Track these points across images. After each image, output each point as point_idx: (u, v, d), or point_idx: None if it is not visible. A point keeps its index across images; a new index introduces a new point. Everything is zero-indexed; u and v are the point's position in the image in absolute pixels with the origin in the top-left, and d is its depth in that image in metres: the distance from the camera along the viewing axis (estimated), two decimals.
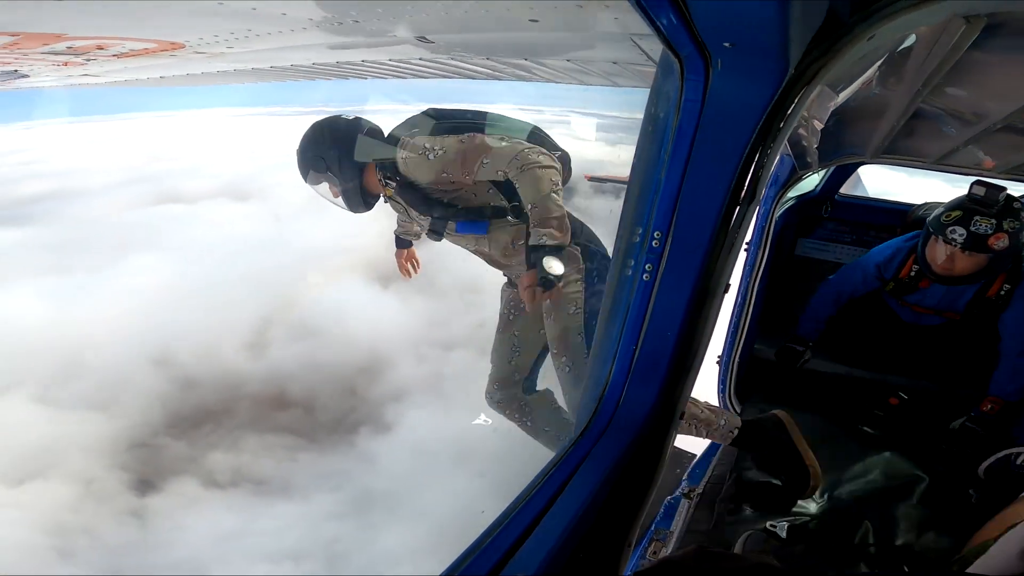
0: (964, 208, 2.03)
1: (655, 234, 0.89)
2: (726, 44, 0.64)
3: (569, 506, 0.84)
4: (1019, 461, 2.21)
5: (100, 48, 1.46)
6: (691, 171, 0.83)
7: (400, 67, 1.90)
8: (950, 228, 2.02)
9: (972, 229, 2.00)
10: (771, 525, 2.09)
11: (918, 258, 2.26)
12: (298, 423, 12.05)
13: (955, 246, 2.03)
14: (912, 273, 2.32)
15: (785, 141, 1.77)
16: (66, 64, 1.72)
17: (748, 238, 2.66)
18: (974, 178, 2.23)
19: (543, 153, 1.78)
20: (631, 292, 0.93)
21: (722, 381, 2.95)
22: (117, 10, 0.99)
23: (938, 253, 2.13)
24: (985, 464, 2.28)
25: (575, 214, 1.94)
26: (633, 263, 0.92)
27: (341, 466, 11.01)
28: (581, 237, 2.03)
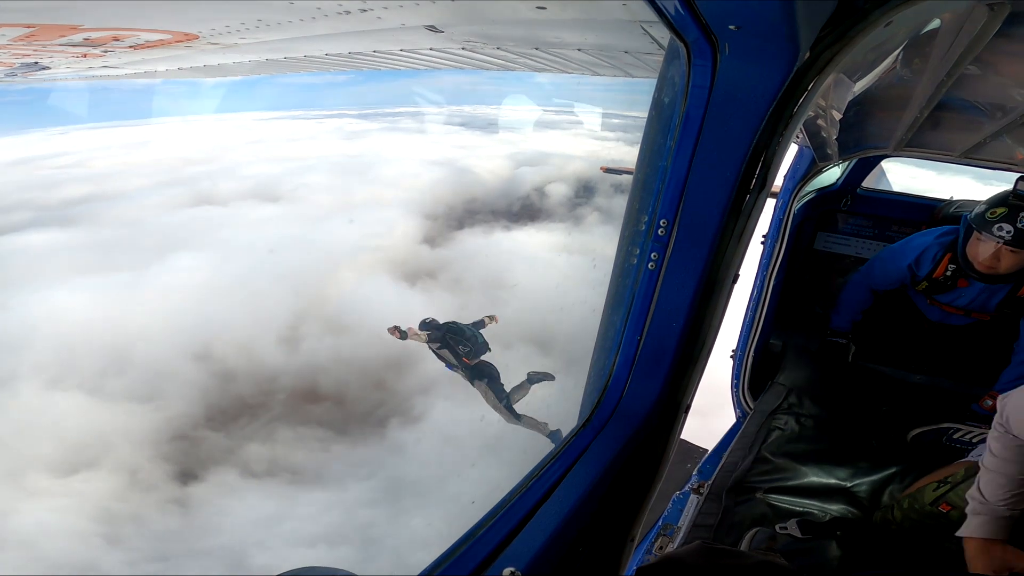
0: (1009, 204, 1.98)
1: (661, 222, 0.87)
2: (732, 27, 0.62)
3: (566, 499, 0.83)
4: (955, 436, 2.32)
5: (116, 40, 1.49)
6: (698, 158, 0.81)
7: (412, 57, 1.90)
8: (997, 225, 1.98)
9: (1019, 226, 1.95)
10: (781, 527, 2.07)
11: (957, 256, 2.22)
12: (330, 416, 12.40)
13: (1001, 243, 1.99)
14: (948, 272, 2.27)
15: (799, 131, 1.73)
16: (85, 56, 1.75)
17: (765, 231, 2.61)
18: (1003, 173, 2.17)
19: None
20: (636, 281, 0.91)
21: (736, 375, 2.92)
22: (129, 2, 1.00)
23: (981, 250, 2.08)
24: (916, 432, 2.38)
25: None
26: (638, 252, 0.90)
27: (372, 455, 11.34)
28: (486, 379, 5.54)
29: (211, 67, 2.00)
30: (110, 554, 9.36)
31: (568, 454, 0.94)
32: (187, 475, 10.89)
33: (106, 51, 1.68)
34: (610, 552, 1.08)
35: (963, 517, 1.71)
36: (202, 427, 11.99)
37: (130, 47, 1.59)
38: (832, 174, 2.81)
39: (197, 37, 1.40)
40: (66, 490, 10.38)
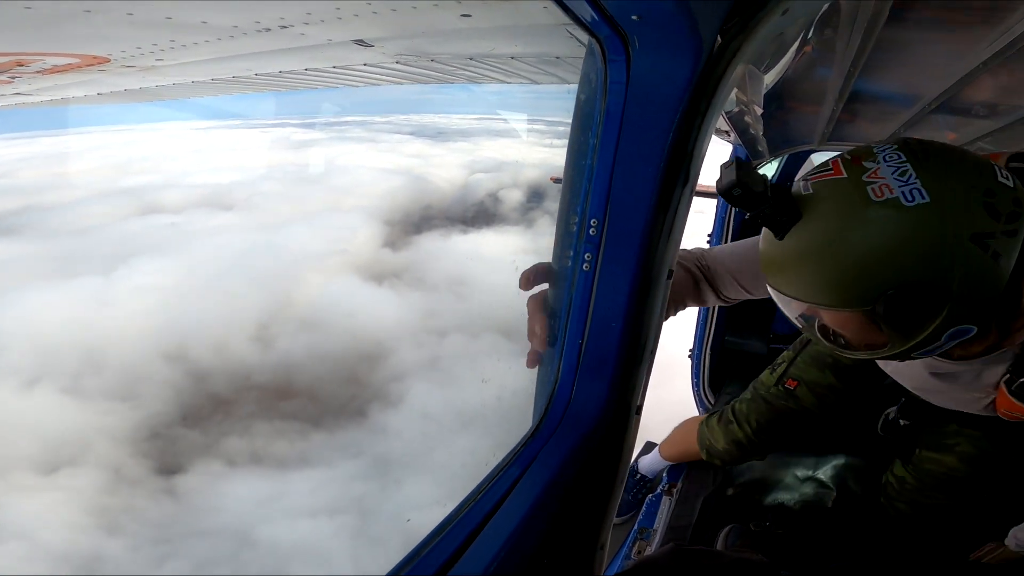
0: None
1: (592, 222, 0.86)
2: (634, 17, 0.63)
3: (517, 510, 0.80)
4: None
5: (20, 64, 1.39)
6: (621, 155, 0.81)
7: (346, 74, 1.86)
8: None
9: None
10: (754, 525, 2.09)
11: None
12: (308, 408, 12.81)
13: None
14: None
15: (730, 128, 1.79)
16: None
17: (709, 230, 2.69)
18: None
19: None
20: (572, 284, 0.90)
21: (695, 374, 2.96)
22: (17, 22, 0.93)
23: None
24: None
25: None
26: (572, 253, 0.89)
27: (358, 437, 11.72)
28: None
29: (133, 91, 1.91)
30: (113, 541, 9.66)
31: (518, 464, 0.91)
32: (171, 469, 11.19)
33: (13, 77, 1.58)
34: (579, 561, 1.05)
35: (808, 394, 1.79)
36: (179, 424, 12.76)
37: (37, 72, 1.49)
38: (768, 170, 2.92)
39: (108, 60, 1.33)
40: (53, 486, 10.57)
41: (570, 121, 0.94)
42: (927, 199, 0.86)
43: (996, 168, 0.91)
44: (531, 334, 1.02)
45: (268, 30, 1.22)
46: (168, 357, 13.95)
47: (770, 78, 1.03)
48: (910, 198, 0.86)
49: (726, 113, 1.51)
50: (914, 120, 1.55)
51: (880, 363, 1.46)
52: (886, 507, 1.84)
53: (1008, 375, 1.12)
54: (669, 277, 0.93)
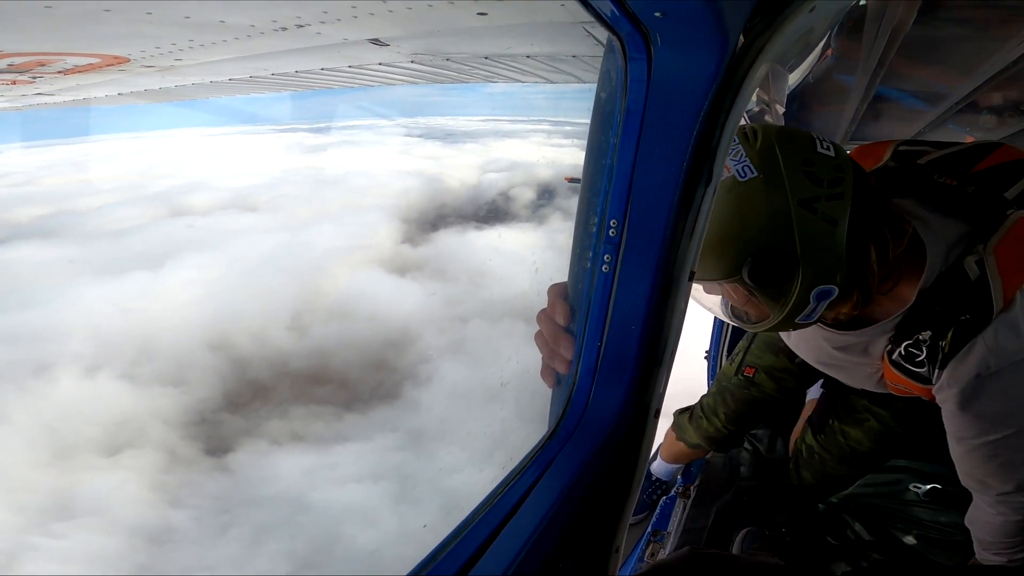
0: None
1: (611, 223, 0.85)
2: (657, 14, 0.61)
3: (534, 514, 0.79)
4: None
5: (41, 65, 1.41)
6: (642, 154, 0.79)
7: (361, 74, 1.87)
8: None
9: None
10: (770, 529, 2.06)
11: None
12: (343, 390, 13.92)
13: None
14: None
15: (743, 122, 1.76)
16: (14, 83, 1.67)
17: None
18: None
19: None
20: (591, 286, 0.89)
21: (712, 375, 2.93)
22: (38, 22, 0.94)
23: None
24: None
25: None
26: (591, 255, 0.88)
27: (392, 414, 12.59)
28: None
29: (152, 91, 1.93)
30: (178, 512, 10.49)
31: (534, 468, 0.90)
32: (221, 449, 12.22)
33: (35, 77, 1.61)
34: (594, 564, 1.04)
35: (767, 380, 1.84)
36: (223, 410, 13.30)
37: (59, 72, 1.51)
38: None
39: (128, 60, 1.35)
40: (118, 466, 11.55)
41: (585, 120, 0.93)
42: (756, 173, 0.98)
43: (816, 140, 1.00)
44: (551, 354, 0.99)
45: (285, 29, 1.22)
46: (212, 346, 14.99)
47: (795, 76, 1.01)
48: (743, 174, 0.99)
49: (747, 113, 1.48)
50: (939, 120, 1.51)
51: (787, 342, 1.55)
52: (792, 475, 1.92)
53: (890, 345, 1.16)
54: (690, 279, 0.91)
